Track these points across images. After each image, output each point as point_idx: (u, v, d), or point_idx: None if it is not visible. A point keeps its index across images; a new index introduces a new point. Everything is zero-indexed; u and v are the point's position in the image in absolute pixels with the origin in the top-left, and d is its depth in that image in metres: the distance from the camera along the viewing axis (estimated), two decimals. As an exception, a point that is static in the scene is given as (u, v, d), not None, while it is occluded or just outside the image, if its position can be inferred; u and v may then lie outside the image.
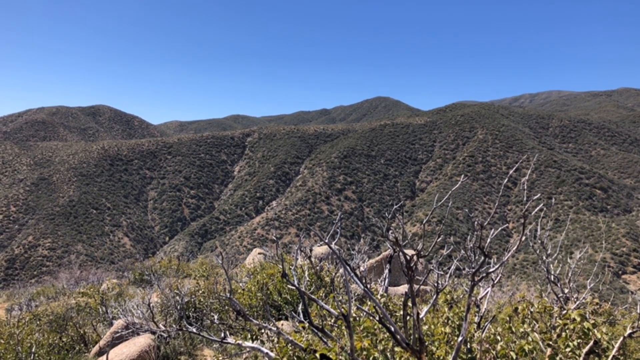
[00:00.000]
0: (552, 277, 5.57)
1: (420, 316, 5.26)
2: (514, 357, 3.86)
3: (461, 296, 5.82)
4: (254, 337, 5.02)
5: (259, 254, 22.34)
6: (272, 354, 5.06)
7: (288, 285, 11.96)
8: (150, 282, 19.29)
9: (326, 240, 3.83)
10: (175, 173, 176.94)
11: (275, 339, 5.06)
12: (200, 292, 13.19)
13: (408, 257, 3.53)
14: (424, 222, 4.07)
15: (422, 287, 15.54)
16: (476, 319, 5.76)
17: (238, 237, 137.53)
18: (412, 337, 4.33)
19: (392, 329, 3.67)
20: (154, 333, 10.75)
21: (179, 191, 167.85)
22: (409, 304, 5.06)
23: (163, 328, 10.27)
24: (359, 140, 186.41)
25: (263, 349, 5.22)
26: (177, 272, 22.37)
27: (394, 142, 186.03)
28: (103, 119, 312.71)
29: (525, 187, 3.58)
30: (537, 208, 3.70)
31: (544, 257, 5.64)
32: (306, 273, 11.81)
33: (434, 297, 4.65)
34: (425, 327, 5.40)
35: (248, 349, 5.64)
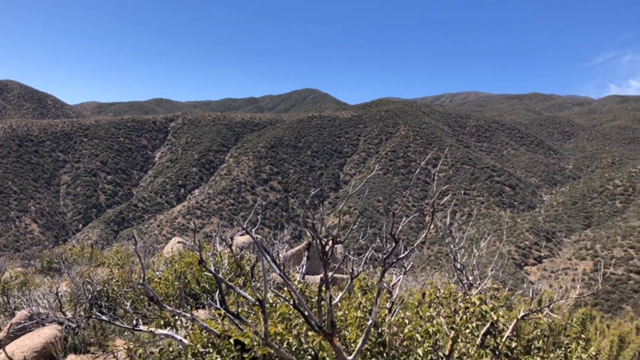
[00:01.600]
0: (459, 265, 5.95)
1: (335, 302, 5.41)
2: (419, 338, 4.09)
3: (375, 283, 6.07)
4: (168, 324, 4.93)
5: (178, 242, 21.80)
6: (186, 341, 5.00)
7: (207, 274, 11.82)
8: (60, 271, 18.22)
9: (245, 227, 3.84)
10: (91, 157, 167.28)
11: (190, 326, 5.00)
12: (114, 280, 12.68)
13: (323, 242, 3.63)
14: (340, 209, 4.19)
15: (341, 276, 15.92)
16: (388, 305, 6.00)
17: (157, 225, 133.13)
18: (326, 321, 4.46)
19: (306, 313, 3.76)
20: (61, 324, 10.20)
21: (95, 176, 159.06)
22: (324, 288, 5.20)
23: (70, 317, 9.78)
24: (286, 130, 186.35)
25: (177, 336, 5.14)
26: (90, 260, 21.29)
27: (321, 135, 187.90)
28: (11, 96, 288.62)
29: (436, 180, 3.80)
30: (445, 199, 3.95)
31: (452, 247, 6.01)
32: (226, 262, 11.71)
33: (349, 283, 4.81)
34: (340, 313, 5.57)
35: (162, 337, 5.52)
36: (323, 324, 4.42)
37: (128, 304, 6.47)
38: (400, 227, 4.03)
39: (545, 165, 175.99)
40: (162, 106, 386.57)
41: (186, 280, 12.01)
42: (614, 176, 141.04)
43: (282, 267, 7.33)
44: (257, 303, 4.20)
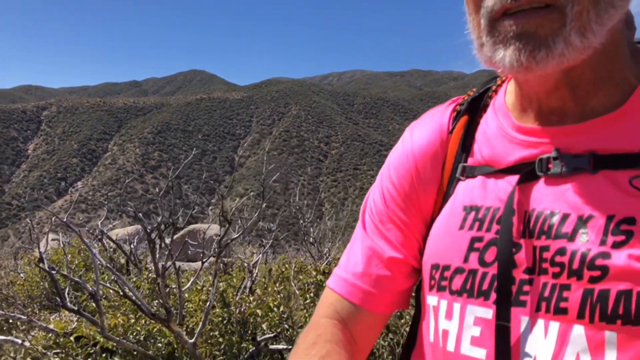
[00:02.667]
0: (311, 239, 6.26)
1: (187, 287, 5.44)
2: (260, 313, 4.28)
3: (252, 264, 6.20)
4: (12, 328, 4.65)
5: (52, 240, 20.37)
6: (27, 344, 4.76)
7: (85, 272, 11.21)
8: None
9: (65, 220, 3.71)
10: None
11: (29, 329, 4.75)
12: (-31, 289, 11.59)
13: (147, 229, 3.63)
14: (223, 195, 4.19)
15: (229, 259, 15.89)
16: (249, 284, 6.13)
17: (37, 223, 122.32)
18: (178, 307, 4.51)
19: (139, 302, 3.76)
20: None
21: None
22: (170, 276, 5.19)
23: None
24: (174, 114, 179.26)
25: (16, 340, 4.87)
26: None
27: (212, 117, 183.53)
28: None
29: (265, 160, 3.97)
30: (273, 178, 4.15)
31: (302, 222, 6.30)
32: (98, 256, 11.18)
33: (200, 268, 4.88)
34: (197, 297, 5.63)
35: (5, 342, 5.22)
36: (176, 311, 4.47)
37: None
38: (233, 208, 4.14)
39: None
40: (32, 94, 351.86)
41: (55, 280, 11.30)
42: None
43: (131, 257, 7.15)
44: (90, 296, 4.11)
